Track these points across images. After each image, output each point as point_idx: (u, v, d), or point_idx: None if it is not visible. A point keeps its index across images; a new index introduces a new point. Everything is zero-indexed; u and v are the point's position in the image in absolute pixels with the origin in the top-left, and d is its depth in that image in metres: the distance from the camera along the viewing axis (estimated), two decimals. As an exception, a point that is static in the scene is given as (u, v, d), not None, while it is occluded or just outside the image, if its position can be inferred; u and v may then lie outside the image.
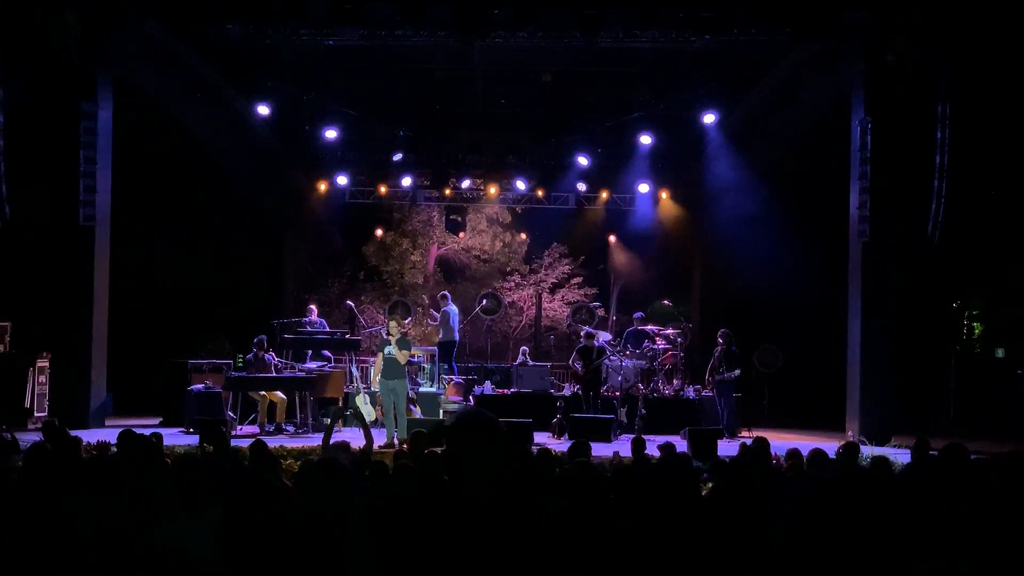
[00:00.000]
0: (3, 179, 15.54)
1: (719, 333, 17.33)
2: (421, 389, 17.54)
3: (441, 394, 17.53)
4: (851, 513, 1.99)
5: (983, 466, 6.81)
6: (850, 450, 9.57)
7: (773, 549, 2.03)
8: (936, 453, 7.53)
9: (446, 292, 20.64)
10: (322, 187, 23.11)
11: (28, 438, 10.91)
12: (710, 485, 7.08)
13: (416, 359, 18.09)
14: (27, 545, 4.46)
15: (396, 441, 14.50)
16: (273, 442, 13.05)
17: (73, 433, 10.40)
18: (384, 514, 4.21)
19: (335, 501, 4.45)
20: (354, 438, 12.36)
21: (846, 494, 2.00)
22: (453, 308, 19.61)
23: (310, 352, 18.41)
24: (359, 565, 4.01)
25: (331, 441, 10.25)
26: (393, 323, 15.44)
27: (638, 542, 4.31)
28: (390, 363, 15.04)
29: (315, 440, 14.23)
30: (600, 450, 11.80)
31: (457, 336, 19.43)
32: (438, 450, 8.32)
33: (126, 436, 8.88)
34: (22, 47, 15.64)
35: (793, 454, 9.15)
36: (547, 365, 19.39)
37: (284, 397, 16.53)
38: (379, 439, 14.23)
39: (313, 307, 19.86)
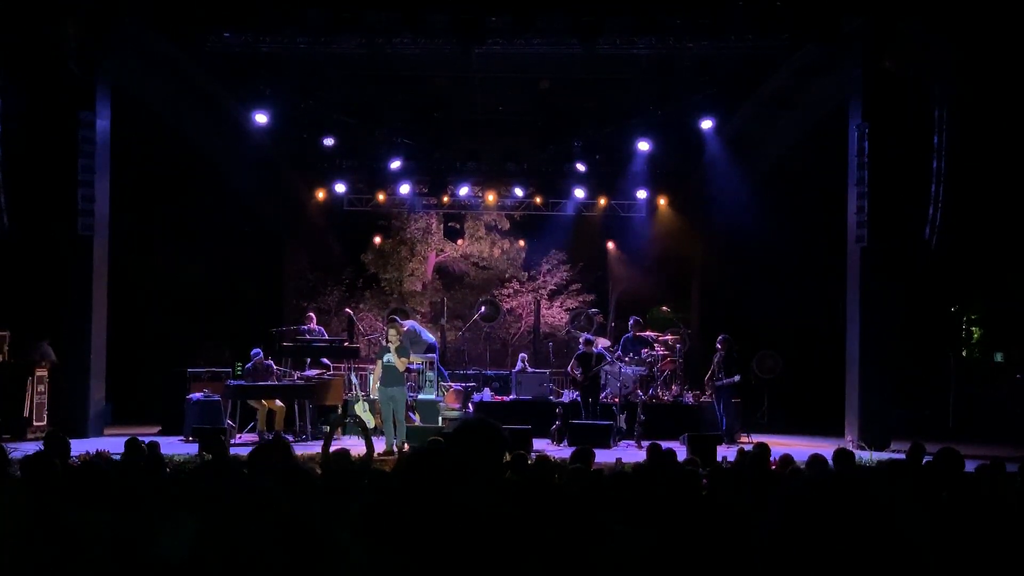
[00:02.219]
0: (1, 188, 15.54)
1: (719, 339, 17.36)
2: (420, 396, 17.52)
3: (440, 401, 17.52)
4: (829, 515, 2.00)
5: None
6: (843, 456, 9.55)
7: (757, 553, 2.04)
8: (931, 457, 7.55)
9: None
10: (320, 195, 23.13)
11: (26, 448, 10.91)
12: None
13: (416, 366, 18.07)
14: (27, 553, 4.46)
15: (396, 448, 14.49)
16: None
17: (74, 441, 10.38)
18: (382, 522, 4.20)
19: (303, 506, 4.49)
20: (355, 446, 12.37)
21: (824, 495, 2.00)
22: (408, 322, 19.30)
23: (309, 360, 18.39)
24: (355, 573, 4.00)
25: (331, 449, 10.25)
26: (392, 331, 15.45)
27: (637, 548, 4.31)
28: (389, 370, 15.05)
29: (315, 448, 14.22)
30: (600, 456, 11.78)
31: (429, 338, 19.17)
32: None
33: (132, 445, 8.97)
34: (21, 56, 15.66)
35: (786, 459, 9.15)
36: (546, 372, 19.36)
37: (282, 405, 16.52)
38: (379, 447, 14.24)
39: (312, 315, 19.83)
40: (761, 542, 2.14)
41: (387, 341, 15.29)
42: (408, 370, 17.09)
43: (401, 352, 15.12)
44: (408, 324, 18.81)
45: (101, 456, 11.80)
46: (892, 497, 1.96)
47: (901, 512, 1.95)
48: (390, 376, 15.04)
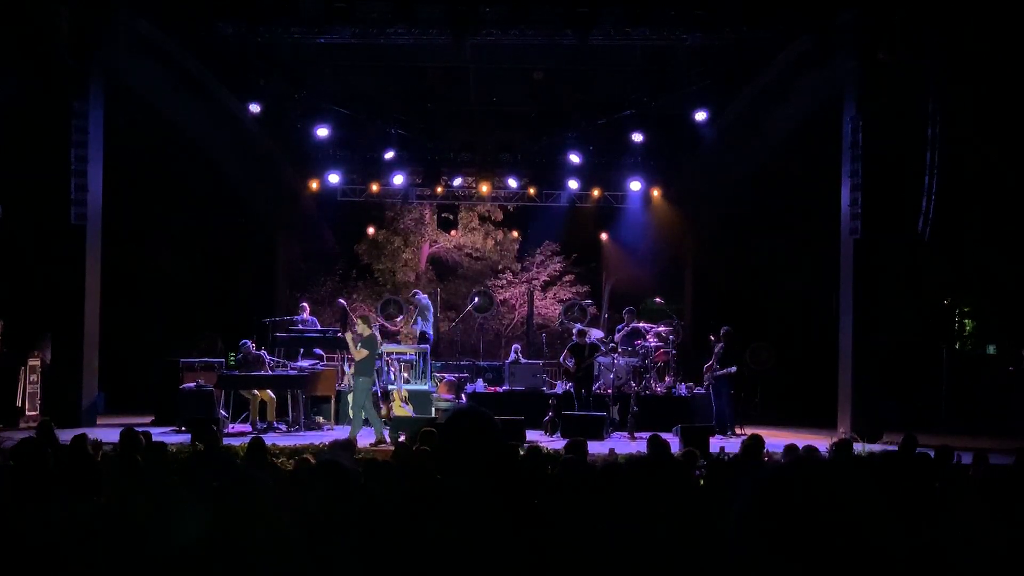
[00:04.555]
0: (-5, 178, 15.54)
1: (721, 331, 17.12)
2: (409, 386, 17.51)
3: (433, 392, 17.53)
4: (794, 500, 2.01)
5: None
6: (842, 447, 9.58)
7: (728, 538, 2.05)
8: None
9: (416, 291, 20.32)
10: (314, 185, 23.10)
11: (20, 437, 10.86)
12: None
13: (409, 356, 18.10)
14: (25, 543, 4.46)
15: (357, 439, 14.30)
16: (266, 440, 13.02)
17: (67, 431, 10.39)
18: (377, 512, 4.21)
19: (339, 503, 4.45)
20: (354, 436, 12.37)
21: (789, 483, 2.01)
22: (423, 297, 19.52)
23: (302, 350, 18.36)
24: (352, 564, 4.01)
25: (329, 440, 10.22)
26: (360, 321, 15.43)
27: (629, 538, 4.31)
28: (358, 362, 15.08)
29: (307, 438, 14.24)
30: (593, 448, 11.80)
31: (428, 328, 19.17)
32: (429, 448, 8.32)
33: (128, 434, 8.98)
34: (14, 45, 15.61)
35: (790, 449, 9.16)
36: (539, 363, 19.37)
37: (273, 396, 16.50)
38: (371, 438, 14.26)
39: (306, 305, 19.80)
40: (733, 526, 2.15)
41: (359, 333, 15.22)
42: (400, 360, 17.17)
43: (366, 344, 15.00)
44: (423, 299, 19.10)
45: (95, 446, 11.80)
46: (858, 486, 1.97)
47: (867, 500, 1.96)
48: (356, 366, 15.08)
